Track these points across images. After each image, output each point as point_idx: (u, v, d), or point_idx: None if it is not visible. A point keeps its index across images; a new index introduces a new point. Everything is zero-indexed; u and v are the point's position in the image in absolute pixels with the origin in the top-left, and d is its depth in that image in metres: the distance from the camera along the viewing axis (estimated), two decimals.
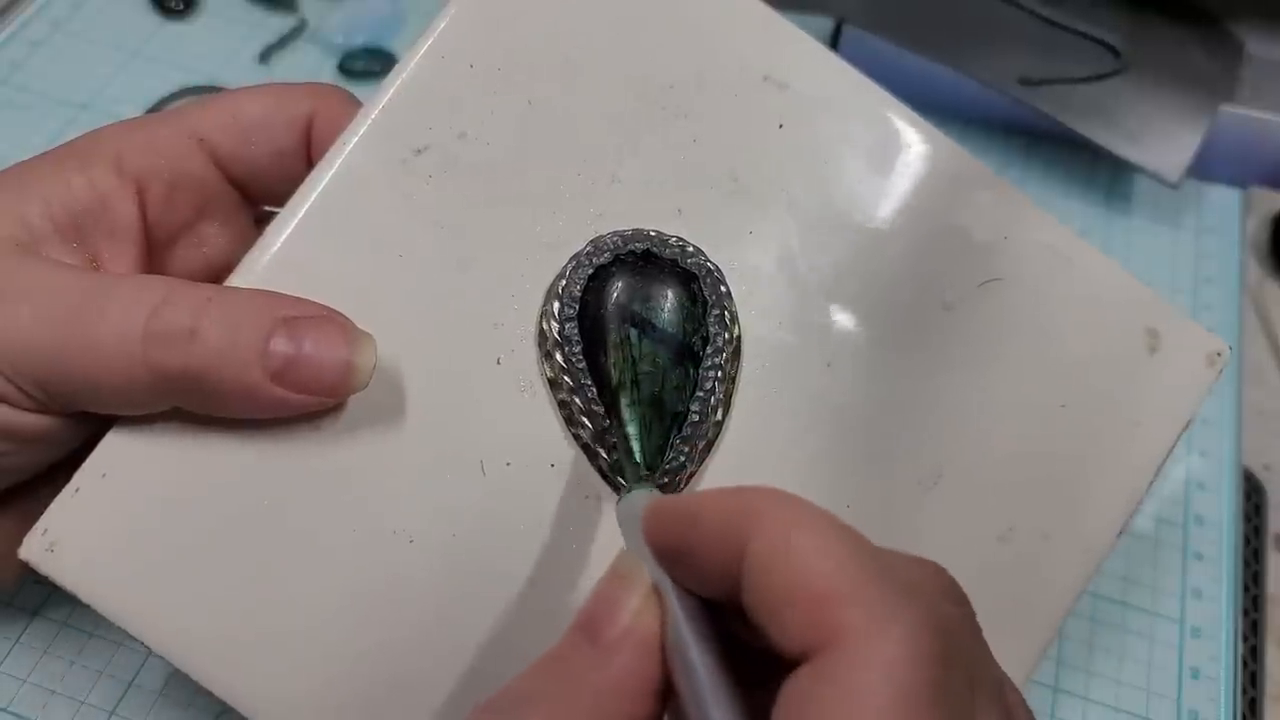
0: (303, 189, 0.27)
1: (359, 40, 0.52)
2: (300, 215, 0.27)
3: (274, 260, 0.27)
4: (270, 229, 0.27)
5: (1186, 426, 0.30)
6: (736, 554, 0.18)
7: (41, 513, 0.26)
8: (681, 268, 0.28)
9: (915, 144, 0.31)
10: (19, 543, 0.26)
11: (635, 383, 0.27)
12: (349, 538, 0.26)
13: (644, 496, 0.23)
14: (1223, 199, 0.52)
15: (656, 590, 0.20)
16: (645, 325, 0.28)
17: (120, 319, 0.24)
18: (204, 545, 0.26)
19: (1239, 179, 0.52)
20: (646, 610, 0.20)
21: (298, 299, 0.26)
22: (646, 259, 0.28)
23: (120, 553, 0.25)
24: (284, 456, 0.26)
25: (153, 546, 0.25)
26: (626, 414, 0.27)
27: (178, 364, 0.24)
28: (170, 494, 0.26)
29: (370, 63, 0.51)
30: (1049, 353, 0.30)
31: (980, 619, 0.28)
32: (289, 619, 0.26)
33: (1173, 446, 0.30)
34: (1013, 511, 0.29)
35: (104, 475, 0.25)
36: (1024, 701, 0.21)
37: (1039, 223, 0.31)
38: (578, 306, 0.27)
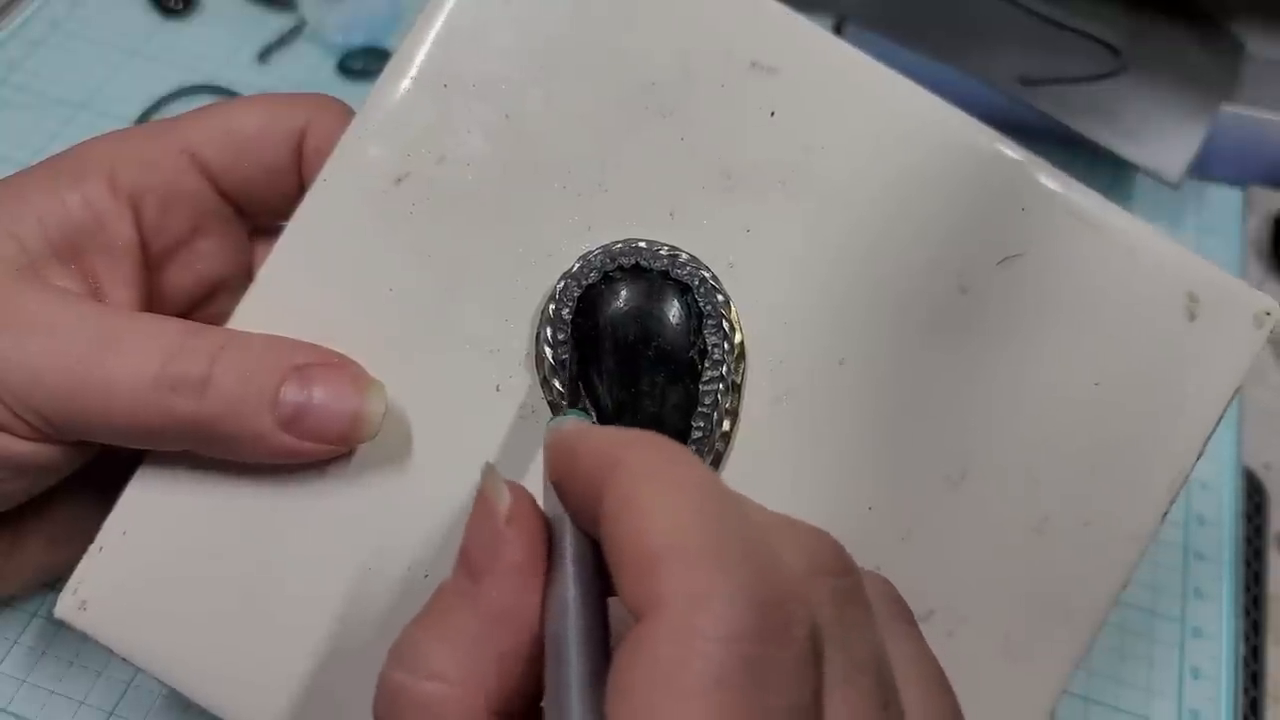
0: (290, 227, 0.27)
1: (358, 39, 0.52)
2: (287, 258, 0.27)
3: (268, 305, 0.27)
4: (261, 271, 0.27)
5: (1234, 395, 0.28)
6: (598, 501, 0.18)
7: (35, 532, 0.28)
8: (673, 279, 0.27)
9: (916, 115, 0.28)
10: (10, 569, 0.26)
11: (633, 405, 0.27)
12: (367, 577, 0.27)
13: (570, 424, 0.22)
14: (1223, 198, 0.52)
15: (549, 522, 0.20)
16: (639, 344, 0.27)
17: (135, 364, 0.25)
18: (225, 593, 0.27)
19: (1239, 179, 0.52)
20: (514, 537, 0.19)
21: (312, 346, 0.26)
22: (636, 273, 0.27)
23: (146, 605, 0.27)
24: (295, 502, 0.27)
25: (176, 597, 0.27)
26: None
27: (190, 411, 0.25)
28: (187, 545, 0.27)
29: (369, 62, 0.51)
30: (1078, 329, 0.28)
31: (1022, 613, 0.27)
32: (311, 659, 0.26)
33: (1219, 418, 0.28)
34: (1047, 500, 0.28)
35: (124, 533, 0.27)
36: (937, 679, 0.20)
37: (1058, 189, 0.28)
38: (569, 329, 0.27)
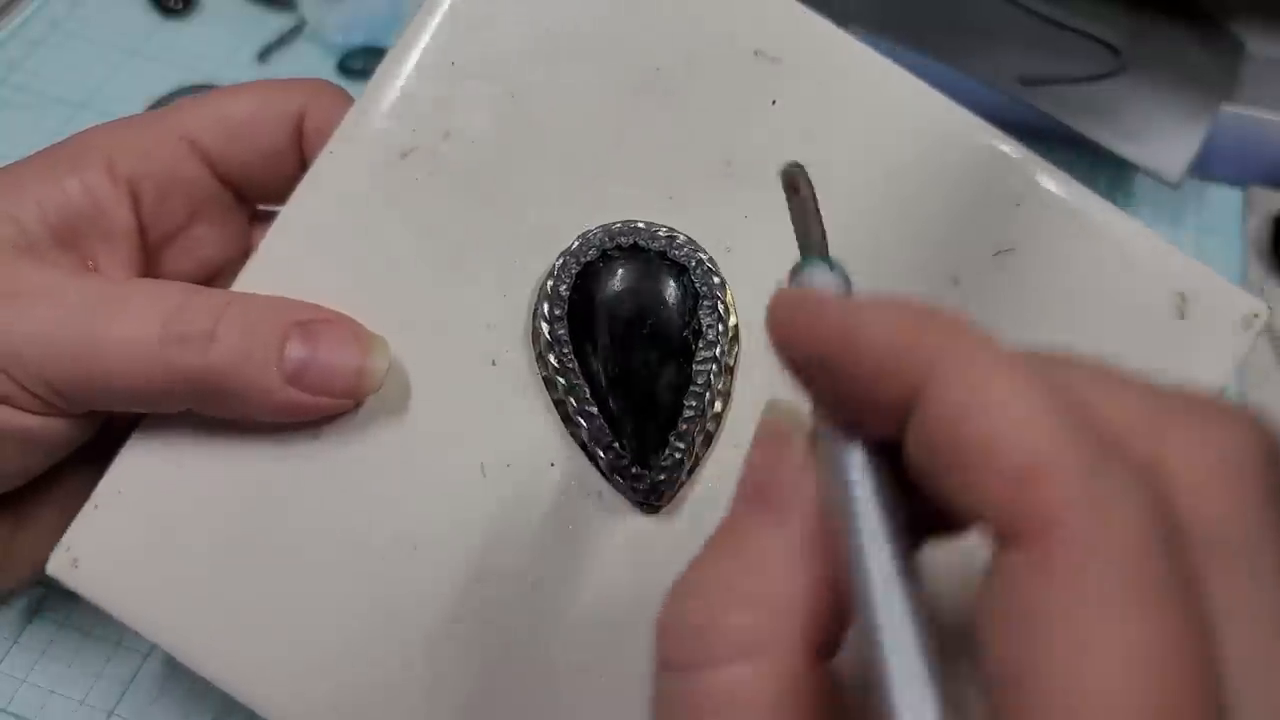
0: (293, 198, 0.28)
1: (358, 39, 0.52)
2: (291, 227, 0.28)
3: (268, 273, 0.27)
4: (263, 242, 0.28)
5: (1220, 395, 0.28)
6: (905, 391, 0.16)
7: (33, 519, 0.27)
8: (670, 260, 0.28)
9: (915, 109, 0.29)
10: (15, 551, 0.26)
11: (626, 382, 0.27)
12: (356, 545, 0.27)
13: (819, 274, 0.19)
14: (1223, 198, 0.52)
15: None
16: (634, 323, 0.27)
17: (138, 321, 0.25)
18: (216, 555, 0.27)
19: (1239, 178, 0.52)
20: (813, 465, 0.18)
21: (314, 305, 0.26)
22: (634, 253, 0.28)
23: (139, 565, 0.27)
24: (288, 467, 0.27)
25: (169, 558, 0.27)
26: (618, 414, 0.27)
27: (197, 366, 0.25)
28: (182, 508, 0.27)
29: (369, 61, 0.51)
30: (1067, 324, 0.28)
31: None
32: (302, 625, 0.26)
33: None
34: None
35: (119, 492, 0.27)
36: None
37: (1053, 185, 0.29)
38: (566, 306, 0.27)
